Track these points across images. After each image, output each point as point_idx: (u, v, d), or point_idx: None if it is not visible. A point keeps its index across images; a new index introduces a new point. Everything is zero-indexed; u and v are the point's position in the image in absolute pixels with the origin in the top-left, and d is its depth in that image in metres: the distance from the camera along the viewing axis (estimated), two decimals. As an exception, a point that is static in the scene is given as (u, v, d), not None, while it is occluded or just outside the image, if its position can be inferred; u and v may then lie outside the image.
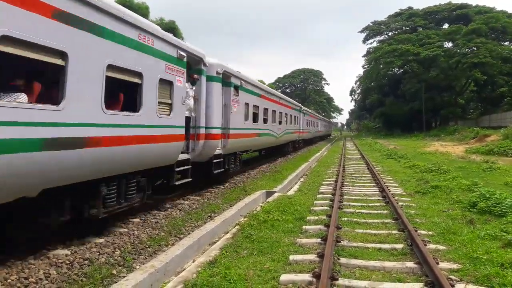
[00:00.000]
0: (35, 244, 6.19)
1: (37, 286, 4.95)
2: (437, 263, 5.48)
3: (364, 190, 12.48)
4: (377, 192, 11.91)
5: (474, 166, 17.59)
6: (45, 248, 6.14)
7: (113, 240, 6.84)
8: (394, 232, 7.39)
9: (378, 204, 10.18)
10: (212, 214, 9.13)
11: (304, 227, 7.73)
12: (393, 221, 8.21)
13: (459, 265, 5.64)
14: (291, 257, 5.90)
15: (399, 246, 6.48)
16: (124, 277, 5.04)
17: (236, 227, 7.71)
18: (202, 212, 9.37)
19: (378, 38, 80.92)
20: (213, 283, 4.88)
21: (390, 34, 78.16)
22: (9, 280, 4.97)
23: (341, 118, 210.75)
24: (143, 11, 34.68)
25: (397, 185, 13.69)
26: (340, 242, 6.63)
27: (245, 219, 8.28)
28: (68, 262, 5.72)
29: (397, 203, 9.75)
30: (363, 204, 10.12)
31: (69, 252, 6.07)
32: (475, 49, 56.44)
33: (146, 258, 6.21)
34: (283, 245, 6.63)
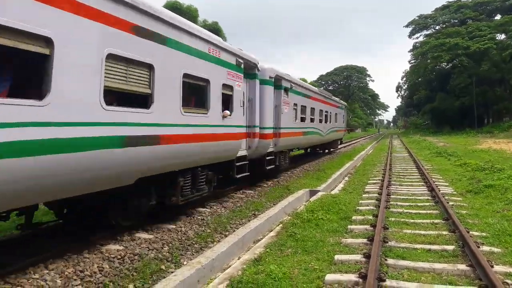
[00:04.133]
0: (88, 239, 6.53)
1: (92, 279, 5.19)
2: (492, 266, 5.23)
3: (412, 189, 12.11)
4: (426, 192, 11.51)
5: (531, 164, 16.57)
6: (98, 243, 6.45)
7: (162, 236, 7.07)
8: (444, 233, 7.12)
9: (427, 204, 9.84)
10: (256, 212, 9.20)
11: (349, 226, 7.62)
12: (443, 222, 7.92)
13: (516, 268, 5.36)
14: (336, 257, 5.85)
15: (450, 247, 6.25)
16: (172, 272, 5.20)
17: (279, 225, 7.73)
18: (246, 210, 9.46)
19: (425, 32, 77.79)
20: (258, 280, 4.92)
21: (437, 27, 75.04)
22: (66, 273, 5.26)
23: (387, 115, 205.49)
24: (193, 13, 35.40)
25: (447, 184, 13.17)
26: (387, 242, 6.49)
27: (289, 217, 8.28)
28: (119, 257, 5.96)
29: (448, 202, 9.40)
30: (411, 204, 9.83)
31: (120, 247, 6.33)
32: (531, 40, 53.12)
33: (193, 254, 6.36)
34: (328, 244, 6.58)
